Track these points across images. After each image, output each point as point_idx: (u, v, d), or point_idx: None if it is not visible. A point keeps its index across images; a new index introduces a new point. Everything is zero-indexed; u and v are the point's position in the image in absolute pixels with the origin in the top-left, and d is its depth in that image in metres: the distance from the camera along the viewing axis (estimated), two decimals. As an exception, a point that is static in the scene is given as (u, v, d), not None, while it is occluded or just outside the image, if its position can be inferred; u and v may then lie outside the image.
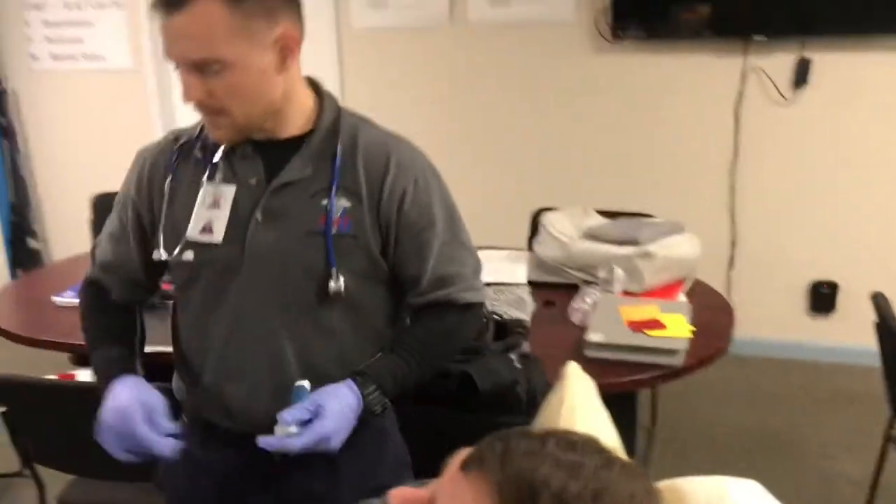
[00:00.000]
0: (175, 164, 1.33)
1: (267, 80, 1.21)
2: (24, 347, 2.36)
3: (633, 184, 3.65)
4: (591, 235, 2.40)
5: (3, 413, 1.94)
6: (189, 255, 1.30)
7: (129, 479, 1.96)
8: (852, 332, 3.56)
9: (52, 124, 4.48)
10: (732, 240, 3.63)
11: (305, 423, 1.18)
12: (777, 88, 3.40)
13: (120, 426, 1.21)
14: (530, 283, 2.40)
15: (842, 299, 3.59)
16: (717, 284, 2.72)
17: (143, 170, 1.36)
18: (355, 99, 4.09)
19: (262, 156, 1.28)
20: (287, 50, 1.21)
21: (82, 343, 2.13)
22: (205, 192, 1.29)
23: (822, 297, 3.60)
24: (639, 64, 3.53)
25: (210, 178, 1.30)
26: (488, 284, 2.36)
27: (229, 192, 1.28)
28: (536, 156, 3.76)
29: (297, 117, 1.29)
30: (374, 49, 3.80)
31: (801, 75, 3.34)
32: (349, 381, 1.26)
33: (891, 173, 3.41)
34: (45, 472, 2.13)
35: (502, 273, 2.47)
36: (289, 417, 1.17)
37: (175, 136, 1.38)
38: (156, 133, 4.26)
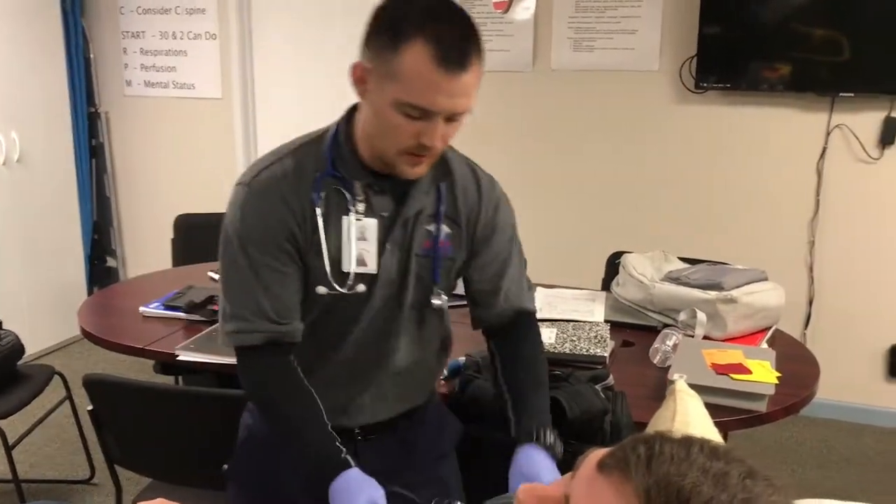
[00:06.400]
0: (320, 197, 1.34)
1: None
2: (108, 352, 2.43)
3: (710, 233, 3.61)
4: (673, 278, 2.38)
5: (91, 411, 2.00)
6: (361, 288, 1.38)
7: (206, 485, 1.99)
8: (933, 400, 3.44)
9: (139, 147, 4.65)
10: (810, 297, 3.56)
11: None
12: (863, 146, 3.36)
13: None
14: (607, 322, 2.39)
15: (923, 365, 3.47)
16: (795, 339, 2.66)
17: (290, 206, 1.33)
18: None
19: (390, 189, 1.37)
20: None
21: (166, 351, 2.22)
22: (352, 226, 1.35)
23: (902, 362, 3.49)
24: (721, 115, 3.53)
25: (351, 211, 1.36)
26: (566, 321, 2.36)
27: (372, 225, 1.36)
28: (614, 201, 3.77)
29: None
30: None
31: (889, 134, 3.30)
32: (532, 447, 1.35)
33: (979, 239, 3.32)
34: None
35: (580, 311, 2.47)
36: None
37: (296, 166, 1.36)
38: (238, 160, 4.39)
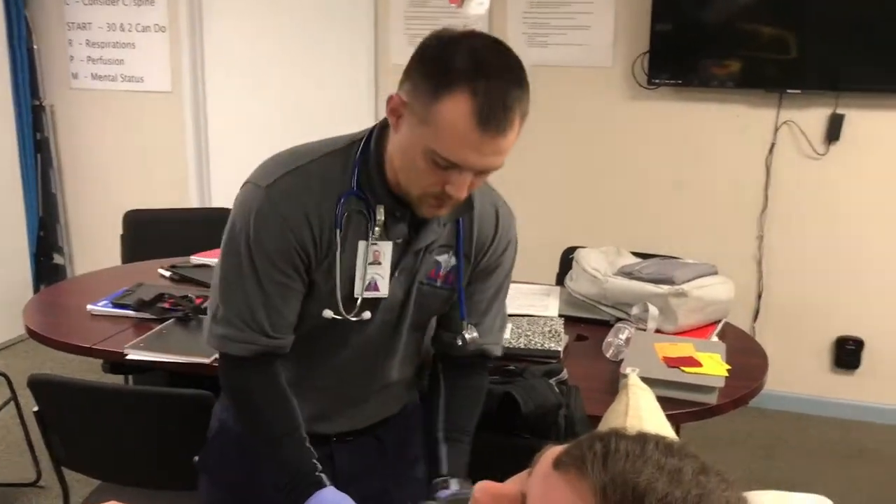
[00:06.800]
0: (343, 218, 1.29)
1: None
2: (55, 352, 2.37)
3: (662, 228, 3.66)
4: (626, 273, 2.41)
5: (37, 412, 1.95)
6: (367, 315, 1.33)
7: (155, 486, 1.96)
8: (877, 390, 3.54)
9: (86, 142, 4.54)
10: (759, 291, 3.63)
11: None
12: (809, 142, 3.43)
13: None
14: (561, 316, 2.40)
15: (867, 356, 3.57)
16: (745, 333, 2.71)
17: (310, 221, 1.28)
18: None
19: (409, 216, 1.32)
20: None
21: (115, 350, 2.17)
22: (367, 249, 1.31)
23: (848, 354, 3.57)
24: (673, 111, 3.58)
25: (370, 235, 1.32)
26: (521, 316, 2.37)
27: (387, 249, 1.31)
28: (567, 196, 3.79)
29: None
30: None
31: (834, 130, 3.37)
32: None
33: (920, 232, 3.42)
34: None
35: (534, 306, 2.48)
36: None
37: (320, 178, 1.29)
38: (188, 154, 4.32)
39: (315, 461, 1.31)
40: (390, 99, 1.21)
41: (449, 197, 1.21)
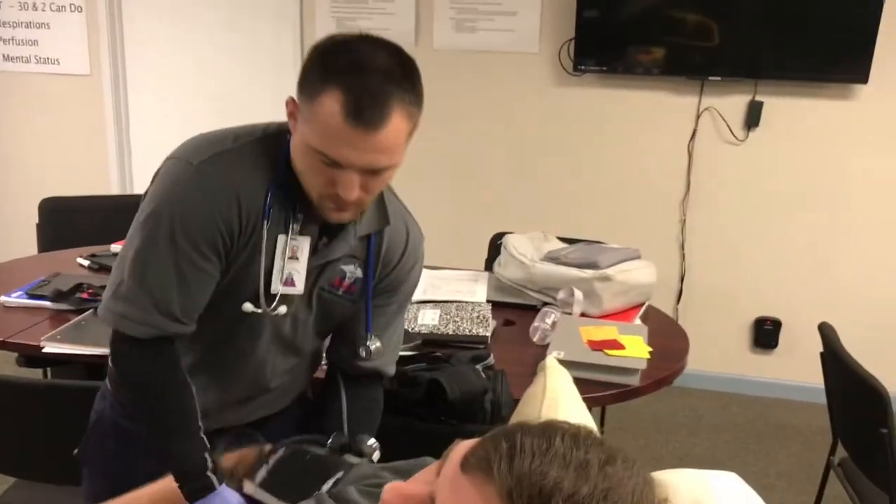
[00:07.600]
0: (269, 210, 1.27)
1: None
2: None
3: (588, 213, 3.72)
4: (552, 258, 2.44)
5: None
6: (283, 310, 1.33)
7: (72, 482, 1.90)
8: (793, 369, 3.67)
9: (-1, 126, 4.37)
10: (682, 274, 3.72)
11: None
12: (730, 128, 3.52)
13: None
14: (489, 302, 2.42)
15: (784, 336, 3.70)
16: (667, 315, 2.77)
17: (240, 204, 1.25)
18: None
19: (323, 219, 1.30)
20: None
21: (30, 343, 2.10)
22: (286, 243, 1.30)
23: (766, 334, 3.70)
24: (598, 97, 3.62)
25: (290, 229, 1.31)
26: (449, 302, 2.38)
27: (306, 244, 1.31)
28: (495, 181, 3.81)
29: None
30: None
31: (753, 117, 3.47)
32: None
33: (832, 215, 3.55)
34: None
35: (462, 292, 2.49)
36: None
37: (253, 163, 1.27)
38: (108, 139, 4.19)
39: (206, 455, 1.27)
40: (287, 103, 1.23)
41: (342, 199, 1.21)
